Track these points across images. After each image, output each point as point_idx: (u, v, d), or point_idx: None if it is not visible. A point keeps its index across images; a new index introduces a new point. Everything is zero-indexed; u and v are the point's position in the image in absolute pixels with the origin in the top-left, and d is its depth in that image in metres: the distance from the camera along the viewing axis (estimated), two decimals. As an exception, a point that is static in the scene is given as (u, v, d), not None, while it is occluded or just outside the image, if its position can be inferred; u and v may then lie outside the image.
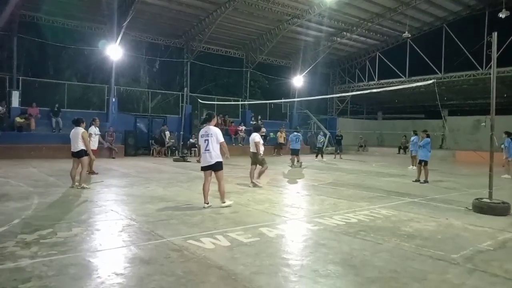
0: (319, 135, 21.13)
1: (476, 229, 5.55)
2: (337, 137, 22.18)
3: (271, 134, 23.61)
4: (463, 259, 4.16)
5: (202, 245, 4.41)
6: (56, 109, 17.85)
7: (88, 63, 24.91)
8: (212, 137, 6.57)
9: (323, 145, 20.30)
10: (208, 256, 4.03)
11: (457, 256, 4.24)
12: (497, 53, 7.30)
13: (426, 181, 10.74)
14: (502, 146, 12.79)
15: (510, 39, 20.24)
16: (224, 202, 6.72)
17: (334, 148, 22.80)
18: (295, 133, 16.06)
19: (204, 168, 6.73)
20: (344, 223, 5.73)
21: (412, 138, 14.54)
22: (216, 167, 6.63)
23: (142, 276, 3.49)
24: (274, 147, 22.81)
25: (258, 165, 9.79)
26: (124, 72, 24.71)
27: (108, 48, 18.83)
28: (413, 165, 14.58)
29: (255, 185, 9.37)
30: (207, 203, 6.64)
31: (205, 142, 6.61)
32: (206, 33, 21.79)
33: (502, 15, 18.90)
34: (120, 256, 4.06)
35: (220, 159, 6.67)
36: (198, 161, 6.79)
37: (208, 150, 6.57)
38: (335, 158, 21.10)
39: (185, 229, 5.17)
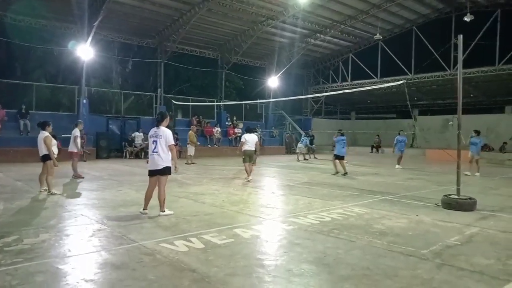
0: (303, 137, 21.11)
1: (445, 225, 5.72)
2: (309, 138, 22.52)
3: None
4: (432, 254, 4.28)
5: (176, 248, 4.34)
6: (23, 111, 17.21)
7: (58, 64, 24.17)
8: (162, 138, 6.00)
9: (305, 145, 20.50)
10: (182, 259, 3.97)
11: (427, 252, 4.35)
12: (463, 55, 7.57)
13: (345, 173, 12.27)
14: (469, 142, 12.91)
15: (475, 42, 21.04)
16: (163, 211, 6.07)
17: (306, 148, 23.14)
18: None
19: (150, 173, 6.12)
20: (318, 222, 5.78)
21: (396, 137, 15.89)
22: (163, 172, 6.05)
23: (113, 281, 3.40)
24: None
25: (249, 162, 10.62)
26: (95, 73, 24.11)
27: (78, 48, 18.32)
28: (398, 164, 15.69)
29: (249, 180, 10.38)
30: (145, 210, 6.14)
31: (153, 143, 6.03)
32: (180, 33, 21.57)
33: (467, 18, 19.67)
34: (90, 262, 3.94)
35: (169, 164, 6.08)
36: (148, 163, 6.35)
37: (156, 152, 5.98)
38: (309, 158, 21.32)
39: (159, 232, 5.08)
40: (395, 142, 15.94)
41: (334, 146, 12.73)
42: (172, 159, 6.13)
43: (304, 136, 21.08)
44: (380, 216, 6.25)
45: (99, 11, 17.13)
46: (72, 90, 20.13)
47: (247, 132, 11.10)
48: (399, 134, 16.20)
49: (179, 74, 29.53)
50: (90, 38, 17.83)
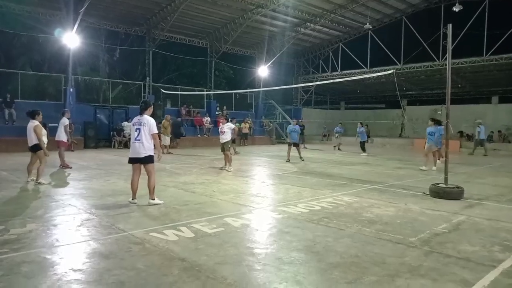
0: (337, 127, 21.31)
1: (432, 213, 5.80)
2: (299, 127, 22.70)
3: (237, 124, 23.50)
4: (420, 242, 4.33)
5: (165, 237, 4.32)
6: (8, 100, 16.84)
7: (43, 52, 23.64)
8: (145, 126, 5.94)
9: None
10: (171, 248, 3.95)
11: (415, 239, 4.40)
12: (452, 45, 7.60)
13: (301, 159, 13.45)
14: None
15: (463, 32, 21.17)
16: (153, 199, 6.06)
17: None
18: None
19: (131, 160, 6.11)
20: (308, 210, 5.81)
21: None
22: (146, 160, 6.02)
23: (101, 271, 3.37)
24: (240, 137, 22.76)
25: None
26: (82, 61, 23.67)
27: (64, 35, 17.91)
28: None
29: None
30: (134, 199, 6.10)
31: (136, 131, 6.01)
32: (169, 21, 21.22)
33: (456, 8, 19.74)
34: (78, 252, 3.90)
35: (151, 153, 6.04)
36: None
37: (139, 140, 5.96)
38: (305, 147, 21.44)
39: (148, 221, 5.04)
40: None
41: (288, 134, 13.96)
42: (155, 147, 6.10)
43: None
44: (369, 205, 6.31)
45: (85, -3, 16.73)
46: (58, 78, 19.73)
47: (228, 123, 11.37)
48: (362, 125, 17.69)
49: (167, 63, 29.17)
50: (76, 26, 17.45)
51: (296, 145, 13.78)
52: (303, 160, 13.50)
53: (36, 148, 8.02)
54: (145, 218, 5.21)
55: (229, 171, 10.40)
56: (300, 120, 23.43)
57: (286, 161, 13.30)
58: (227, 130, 10.84)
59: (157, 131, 6.14)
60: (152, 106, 6.27)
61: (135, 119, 6.15)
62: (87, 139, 18.22)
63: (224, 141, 10.77)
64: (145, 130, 5.95)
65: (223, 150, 10.90)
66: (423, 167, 11.43)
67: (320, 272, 3.43)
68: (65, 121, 10.88)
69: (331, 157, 15.88)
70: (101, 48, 25.93)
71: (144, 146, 5.96)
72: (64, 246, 4.05)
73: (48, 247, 3.99)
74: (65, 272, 3.32)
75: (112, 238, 4.32)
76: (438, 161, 11.84)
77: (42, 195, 6.82)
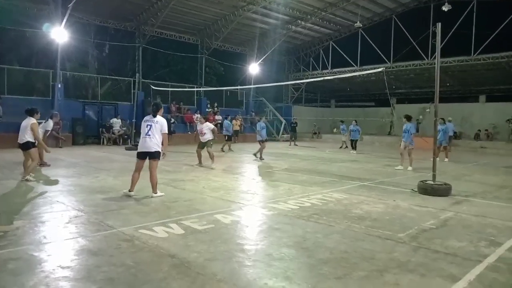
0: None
1: (421, 210, 5.87)
2: (292, 125, 22.85)
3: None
4: (409, 238, 4.39)
5: (155, 234, 4.29)
6: (-5, 95, 16.55)
7: (31, 47, 23.20)
8: (157, 124, 6.28)
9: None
10: (161, 245, 3.93)
11: (403, 235, 4.45)
12: (441, 44, 7.68)
13: (262, 158, 13.01)
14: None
15: (452, 31, 21.40)
16: (156, 193, 6.32)
17: (289, 135, 23.46)
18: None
19: (139, 155, 6.32)
20: (298, 207, 5.83)
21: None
22: (154, 155, 6.26)
23: (90, 268, 3.34)
24: (231, 135, 22.67)
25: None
26: (70, 57, 23.30)
27: (52, 30, 17.64)
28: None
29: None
30: (131, 191, 6.28)
31: (147, 127, 6.28)
32: (159, 17, 21.04)
33: (445, 8, 19.93)
34: (67, 249, 3.85)
35: (159, 149, 6.29)
36: (127, 149, 6.54)
37: (149, 135, 6.23)
38: (290, 145, 21.49)
39: (137, 218, 5.01)
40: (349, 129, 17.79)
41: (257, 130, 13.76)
42: (163, 145, 6.37)
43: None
44: (358, 202, 6.36)
45: (74, -9, 16.47)
46: (46, 74, 19.41)
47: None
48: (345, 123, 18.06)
49: (157, 59, 28.91)
50: (64, 20, 17.17)
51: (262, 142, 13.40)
52: (261, 159, 12.96)
53: (27, 146, 7.88)
54: (135, 215, 5.18)
55: (213, 168, 10.29)
56: (265, 117, 23.54)
57: (261, 159, 12.96)
58: (207, 131, 10.90)
59: (167, 131, 6.47)
60: (162, 108, 6.62)
61: (147, 117, 6.45)
62: (76, 135, 18.00)
63: (206, 140, 10.78)
64: (156, 127, 6.28)
65: (200, 147, 11.04)
66: (399, 167, 11.13)
67: (310, 268, 3.45)
68: (48, 125, 10.59)
69: (322, 155, 15.96)
70: (90, 43, 25.58)
71: (154, 141, 6.24)
72: (52, 243, 4.01)
73: (35, 244, 3.94)
74: (53, 269, 3.28)
75: (101, 235, 4.28)
76: (446, 159, 12.66)
77: (30, 192, 6.72)
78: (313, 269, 3.41)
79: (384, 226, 4.86)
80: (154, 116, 6.37)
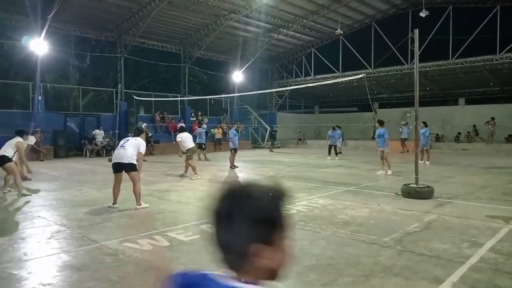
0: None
1: (405, 213, 5.94)
2: (272, 133, 23.73)
3: (212, 130, 23.38)
4: (393, 241, 4.43)
5: (140, 247, 4.23)
6: (-28, 109, 16.14)
7: (9, 58, 22.80)
8: (135, 141, 6.35)
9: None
10: (146, 258, 3.88)
11: (388, 239, 4.50)
12: (419, 49, 7.86)
13: (235, 166, 12.74)
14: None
15: (430, 37, 21.94)
16: (140, 205, 6.23)
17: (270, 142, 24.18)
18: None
19: (114, 167, 6.26)
20: (284, 215, 5.82)
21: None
22: (129, 167, 6.19)
23: (74, 283, 3.27)
24: (214, 143, 22.66)
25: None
26: (51, 68, 22.97)
27: (32, 42, 17.36)
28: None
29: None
30: (115, 204, 6.21)
31: (124, 140, 6.46)
32: (140, 27, 20.94)
33: (422, 14, 20.42)
34: (49, 265, 3.77)
35: (134, 162, 6.23)
36: (110, 160, 6.56)
37: (124, 147, 6.24)
38: (271, 151, 21.70)
39: (121, 231, 4.94)
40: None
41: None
42: (138, 166, 6.32)
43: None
44: (343, 207, 6.40)
45: (53, 2, 16.30)
46: (26, 86, 19.06)
47: (180, 132, 11.18)
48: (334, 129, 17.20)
49: (140, 69, 28.72)
50: (44, 32, 16.96)
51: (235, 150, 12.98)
52: (235, 167, 12.78)
53: (2, 161, 7.70)
54: (119, 228, 5.10)
55: (193, 179, 10.03)
56: (237, 123, 23.78)
57: (235, 167, 12.79)
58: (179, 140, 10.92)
59: (143, 152, 6.45)
60: (144, 133, 6.83)
61: (127, 138, 6.60)
62: (57, 148, 17.64)
63: (186, 148, 10.59)
64: (134, 143, 6.31)
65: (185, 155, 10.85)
66: (380, 172, 11.00)
67: (296, 275, 3.44)
68: (30, 140, 10.45)
69: (307, 161, 16.04)
70: (71, 54, 25.27)
71: (127, 154, 6.18)
72: (33, 260, 3.91)
73: (15, 261, 3.84)
74: (34, 287, 3.19)
75: (84, 250, 4.20)
76: (420, 161, 12.27)
77: (9, 207, 6.56)
78: (299, 277, 3.41)
79: (369, 230, 4.90)
80: (135, 136, 6.56)
